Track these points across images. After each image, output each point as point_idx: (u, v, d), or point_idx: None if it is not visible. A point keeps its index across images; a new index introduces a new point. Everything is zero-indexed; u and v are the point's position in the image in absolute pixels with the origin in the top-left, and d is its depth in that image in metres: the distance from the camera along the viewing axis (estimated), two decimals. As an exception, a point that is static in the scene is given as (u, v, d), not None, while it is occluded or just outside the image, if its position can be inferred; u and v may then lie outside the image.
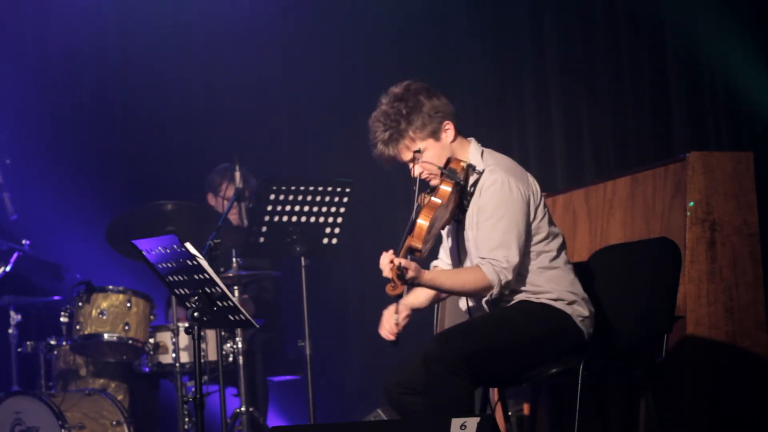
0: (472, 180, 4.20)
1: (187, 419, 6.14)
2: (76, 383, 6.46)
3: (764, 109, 5.82)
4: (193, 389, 4.45)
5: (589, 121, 6.59)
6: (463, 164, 4.17)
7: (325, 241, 5.93)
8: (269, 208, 5.81)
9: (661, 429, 4.39)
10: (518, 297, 4.22)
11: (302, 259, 5.82)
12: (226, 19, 7.73)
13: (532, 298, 4.23)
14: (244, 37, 7.69)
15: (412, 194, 4.32)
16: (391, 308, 4.25)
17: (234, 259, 6.08)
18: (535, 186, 4.27)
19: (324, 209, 5.88)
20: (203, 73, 7.78)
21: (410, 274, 3.91)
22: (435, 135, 4.21)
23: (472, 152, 4.27)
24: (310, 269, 5.86)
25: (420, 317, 5.33)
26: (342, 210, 5.91)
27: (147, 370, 6.35)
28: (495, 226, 4.12)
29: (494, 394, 4.93)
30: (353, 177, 6.17)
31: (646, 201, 5.10)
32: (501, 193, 4.13)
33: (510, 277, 4.10)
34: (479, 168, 4.20)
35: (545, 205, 4.29)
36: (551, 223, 4.29)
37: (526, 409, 5.45)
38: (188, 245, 4.21)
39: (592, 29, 6.59)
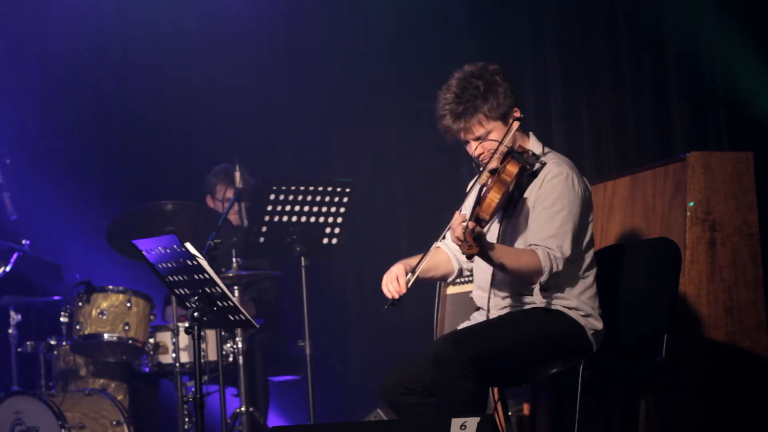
0: (534, 169, 4.19)
1: (187, 419, 6.13)
2: (76, 383, 6.45)
3: (764, 109, 5.82)
4: (193, 389, 4.45)
5: (589, 121, 6.59)
6: (529, 152, 4.18)
7: (325, 241, 5.93)
8: (269, 208, 5.81)
9: (661, 429, 4.39)
10: (538, 299, 4.19)
11: (302, 259, 5.82)
12: (226, 19, 7.74)
13: (550, 302, 4.21)
14: (244, 37, 7.69)
15: (475, 169, 4.31)
16: (401, 266, 4.19)
17: (234, 259, 6.08)
18: (588, 187, 4.30)
19: (324, 209, 5.88)
20: (203, 72, 7.78)
21: (480, 235, 3.86)
22: (504, 118, 4.21)
23: (533, 144, 4.30)
24: (310, 269, 5.86)
25: (419, 318, 5.34)
26: (342, 210, 5.91)
27: (147, 370, 6.35)
28: (553, 216, 4.13)
29: (494, 394, 4.93)
30: (353, 177, 6.17)
31: (646, 201, 5.10)
32: (564, 186, 4.15)
33: (561, 268, 4.09)
34: (542, 159, 4.21)
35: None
36: (593, 228, 4.32)
37: (526, 409, 5.45)
38: (188, 245, 4.21)
39: (592, 29, 6.59)
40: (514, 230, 4.24)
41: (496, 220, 4.31)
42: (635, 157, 6.29)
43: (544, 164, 4.21)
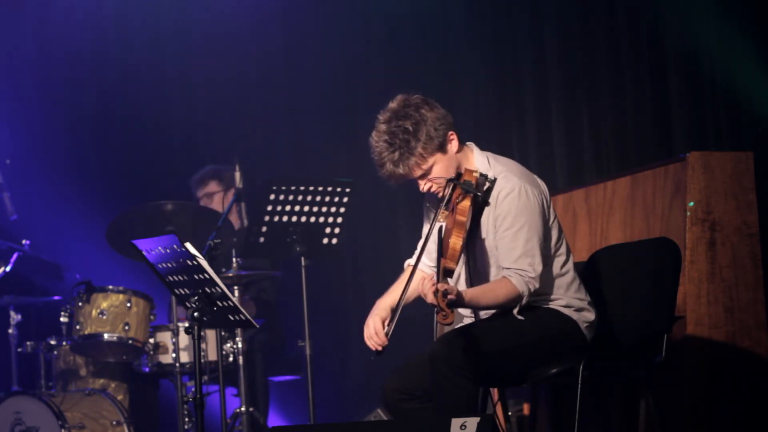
0: (484, 188, 4.15)
1: (187, 419, 6.13)
2: (76, 383, 6.45)
3: (764, 109, 5.81)
4: (193, 389, 4.45)
5: (589, 121, 6.59)
6: (476, 174, 4.10)
7: (325, 241, 5.93)
8: (269, 208, 5.81)
9: (661, 429, 4.39)
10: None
11: (302, 259, 5.82)
12: (226, 19, 7.74)
13: (542, 304, 4.23)
14: (244, 37, 7.69)
15: (428, 211, 4.30)
16: (377, 317, 4.17)
17: (234, 259, 6.08)
18: (544, 187, 4.28)
19: (324, 209, 5.88)
20: (203, 72, 7.78)
21: (451, 297, 3.83)
22: (442, 148, 4.14)
23: (477, 159, 4.23)
24: (310, 269, 5.86)
25: (420, 318, 5.34)
26: (342, 210, 5.91)
27: (147, 370, 6.35)
28: (516, 235, 4.10)
29: (494, 394, 4.93)
30: (353, 177, 6.17)
31: (646, 201, 5.10)
32: (519, 202, 4.11)
33: (537, 285, 4.10)
34: (490, 176, 4.16)
35: (552, 206, 4.29)
36: (558, 222, 4.31)
37: (526, 409, 5.45)
38: (188, 245, 4.21)
39: (591, 29, 6.58)
40: (482, 255, 4.22)
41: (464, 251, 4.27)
42: (635, 157, 6.28)
43: (494, 180, 4.15)
